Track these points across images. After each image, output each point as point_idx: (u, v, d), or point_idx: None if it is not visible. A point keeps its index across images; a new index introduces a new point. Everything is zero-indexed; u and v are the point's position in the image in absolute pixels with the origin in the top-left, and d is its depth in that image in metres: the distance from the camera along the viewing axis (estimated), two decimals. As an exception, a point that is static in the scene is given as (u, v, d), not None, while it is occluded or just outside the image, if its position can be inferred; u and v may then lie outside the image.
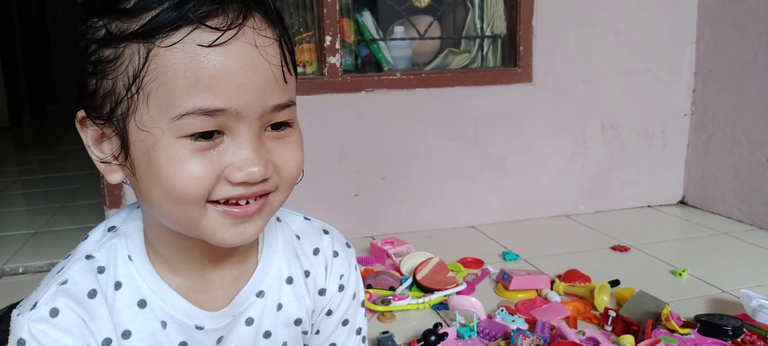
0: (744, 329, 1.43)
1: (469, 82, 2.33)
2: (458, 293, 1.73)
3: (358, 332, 0.80)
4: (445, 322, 1.57)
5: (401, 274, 1.85)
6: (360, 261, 1.99)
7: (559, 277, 1.81)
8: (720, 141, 2.53)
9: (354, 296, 0.78)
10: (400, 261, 1.90)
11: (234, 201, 0.57)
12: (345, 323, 0.77)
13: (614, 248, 2.14)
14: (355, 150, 2.26)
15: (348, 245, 0.78)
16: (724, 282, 1.79)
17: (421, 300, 1.65)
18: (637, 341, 1.40)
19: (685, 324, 1.45)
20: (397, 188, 2.34)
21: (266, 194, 0.59)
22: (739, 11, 2.38)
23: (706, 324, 1.45)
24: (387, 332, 1.44)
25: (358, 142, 2.26)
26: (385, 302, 1.64)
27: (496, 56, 2.46)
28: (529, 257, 2.06)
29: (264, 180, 0.56)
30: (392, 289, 1.74)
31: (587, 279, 1.77)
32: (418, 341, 1.42)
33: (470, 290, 1.76)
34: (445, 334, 1.41)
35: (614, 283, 1.78)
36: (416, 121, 2.32)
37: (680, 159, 2.71)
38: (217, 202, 0.56)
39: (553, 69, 2.41)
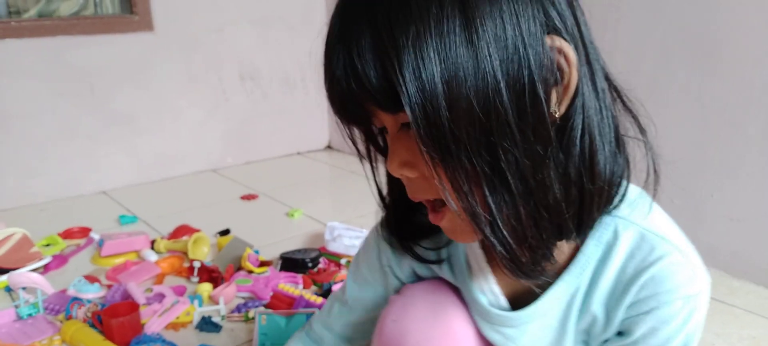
0: (321, 259, 1.53)
1: (75, 31, 2.07)
2: (46, 266, 1.54)
3: None
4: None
5: (-23, 257, 1.57)
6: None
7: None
8: (351, 87, 2.71)
9: None
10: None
11: None
12: None
13: (243, 198, 2.15)
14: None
15: None
16: (333, 217, 1.92)
17: (-15, 284, 1.41)
18: (215, 287, 1.39)
19: (263, 263, 1.50)
20: (-5, 157, 2.00)
21: None
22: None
23: (287, 260, 1.51)
24: None
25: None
26: (-67, 294, 1.36)
27: (114, 2, 2.23)
28: (150, 218, 1.94)
29: None
30: (-47, 277, 1.46)
31: (194, 232, 1.72)
32: (-50, 334, 1.20)
33: (61, 262, 1.57)
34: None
35: (225, 232, 1.77)
36: (12, 77, 1.98)
37: (323, 105, 2.85)
38: None
39: (177, 17, 2.28)
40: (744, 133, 1.41)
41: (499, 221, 0.48)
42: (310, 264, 1.50)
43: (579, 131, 0.49)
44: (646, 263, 0.56)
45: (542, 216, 0.50)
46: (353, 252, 1.54)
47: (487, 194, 0.47)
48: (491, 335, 0.66)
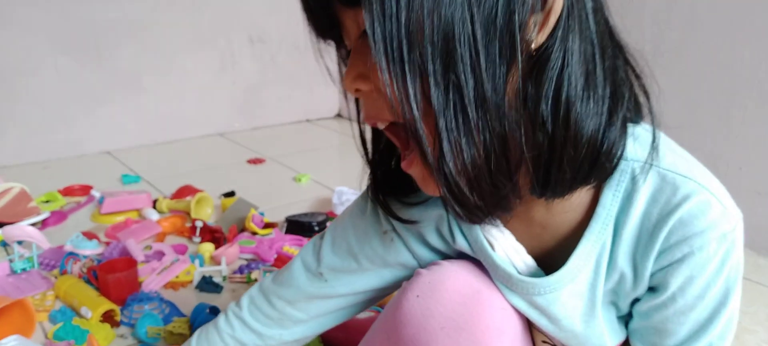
0: (327, 223, 1.48)
1: (78, -16, 2.00)
2: (44, 222, 1.50)
3: None
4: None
5: (-26, 211, 1.52)
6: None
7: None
8: (363, 54, 2.64)
9: None
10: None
11: None
12: None
13: (250, 161, 2.09)
14: None
15: None
16: (341, 184, 1.85)
17: (-20, 238, 1.36)
18: (217, 247, 1.34)
19: (267, 225, 1.44)
20: (-4, 113, 1.95)
21: None
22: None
23: (293, 223, 1.46)
24: None
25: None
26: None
27: (120, -43, 2.16)
28: (154, 178, 1.89)
29: None
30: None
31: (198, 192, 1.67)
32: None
33: (60, 219, 1.52)
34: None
35: (229, 194, 1.71)
36: (15, 31, 1.92)
37: (334, 72, 2.77)
38: None
39: (185, -26, 2.21)
40: (779, 103, 1.33)
41: (446, 144, 0.44)
42: (316, 227, 1.44)
43: (557, 67, 0.44)
44: (671, 206, 0.50)
45: (495, 150, 0.45)
46: (361, 217, 1.48)
47: (437, 110, 0.43)
48: (519, 304, 0.58)
